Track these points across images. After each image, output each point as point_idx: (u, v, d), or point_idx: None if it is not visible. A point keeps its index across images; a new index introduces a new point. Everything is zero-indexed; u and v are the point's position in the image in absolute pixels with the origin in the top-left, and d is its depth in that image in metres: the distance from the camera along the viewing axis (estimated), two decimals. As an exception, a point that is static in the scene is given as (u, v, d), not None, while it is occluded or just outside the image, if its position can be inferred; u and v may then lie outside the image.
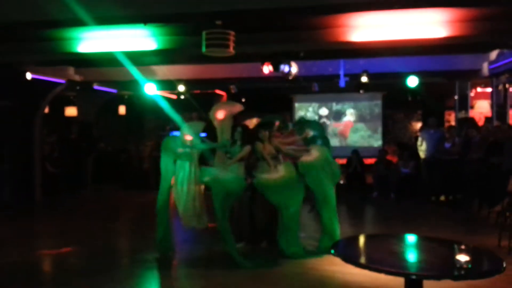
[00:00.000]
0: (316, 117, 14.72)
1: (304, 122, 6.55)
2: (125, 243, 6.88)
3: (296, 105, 15.26)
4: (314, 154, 5.80)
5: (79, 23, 5.09)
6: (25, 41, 7.03)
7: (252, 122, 6.70)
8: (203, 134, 6.33)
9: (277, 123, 6.28)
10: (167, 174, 5.63)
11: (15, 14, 5.22)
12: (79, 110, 12.37)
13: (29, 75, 8.97)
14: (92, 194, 11.09)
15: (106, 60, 8.05)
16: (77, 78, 10.03)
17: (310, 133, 6.09)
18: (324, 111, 15.08)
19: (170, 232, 5.76)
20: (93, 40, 6.88)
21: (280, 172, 5.57)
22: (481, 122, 10.26)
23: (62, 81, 9.83)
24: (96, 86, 11.41)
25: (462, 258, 2.86)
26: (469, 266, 2.85)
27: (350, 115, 14.87)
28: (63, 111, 12.02)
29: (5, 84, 9.09)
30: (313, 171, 5.64)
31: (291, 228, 5.47)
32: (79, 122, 12.04)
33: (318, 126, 6.42)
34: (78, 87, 10.64)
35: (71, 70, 9.81)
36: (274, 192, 5.47)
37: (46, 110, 10.61)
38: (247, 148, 5.71)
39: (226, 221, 5.29)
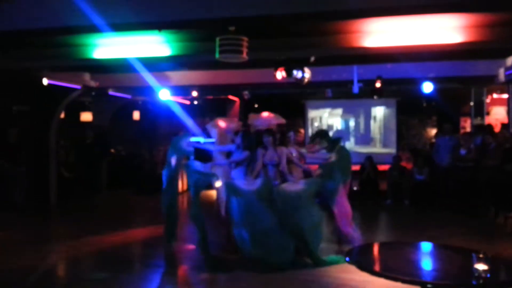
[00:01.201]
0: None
1: (337, 144, 6.12)
2: (138, 247, 6.89)
3: (309, 111, 15.25)
4: (299, 185, 5.48)
5: (94, 29, 5.17)
6: (42, 47, 7.14)
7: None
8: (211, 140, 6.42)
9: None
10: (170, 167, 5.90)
11: (32, 20, 5.32)
12: (94, 116, 12.51)
13: (45, 81, 9.10)
14: (106, 198, 11.17)
15: (121, 66, 8.14)
16: (92, 84, 10.14)
17: (333, 158, 5.84)
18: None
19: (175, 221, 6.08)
20: (108, 46, 6.96)
21: (254, 185, 5.33)
22: (497, 129, 10.12)
23: (78, 86, 9.95)
24: (111, 92, 11.54)
25: (480, 267, 2.81)
26: (488, 275, 2.79)
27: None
28: (78, 117, 12.17)
29: (22, 90, 9.24)
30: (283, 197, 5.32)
31: (262, 241, 5.21)
32: (94, 127, 12.16)
33: (347, 157, 5.95)
34: (93, 93, 10.77)
35: (86, 76, 9.93)
36: (237, 203, 5.26)
37: (62, 115, 10.74)
38: (245, 153, 5.72)
39: (199, 221, 5.35)
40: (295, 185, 5.49)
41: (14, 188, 8.96)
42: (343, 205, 5.73)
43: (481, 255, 2.84)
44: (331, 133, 14.55)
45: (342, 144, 6.28)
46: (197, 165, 5.73)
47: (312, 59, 7.35)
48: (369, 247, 4.04)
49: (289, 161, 5.85)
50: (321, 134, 6.61)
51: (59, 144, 10.53)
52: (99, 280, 4.97)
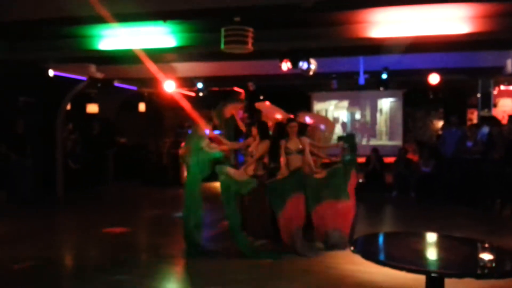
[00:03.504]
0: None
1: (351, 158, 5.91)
2: (145, 239, 6.94)
3: (315, 103, 15.21)
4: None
5: (99, 20, 5.17)
6: (47, 38, 7.16)
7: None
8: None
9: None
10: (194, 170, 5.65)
11: (37, 11, 5.33)
12: (99, 107, 12.53)
13: (51, 72, 9.12)
14: (112, 190, 11.24)
15: (126, 58, 8.14)
16: (98, 75, 10.16)
17: (322, 174, 5.77)
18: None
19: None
20: (113, 37, 6.96)
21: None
22: (504, 121, 10.03)
23: (83, 78, 9.97)
24: (116, 83, 11.55)
25: (486, 256, 2.80)
26: (493, 265, 2.78)
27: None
28: (84, 108, 12.19)
29: (28, 81, 9.27)
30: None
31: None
32: (100, 119, 12.20)
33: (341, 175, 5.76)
34: (99, 84, 10.78)
35: (92, 67, 9.94)
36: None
37: (68, 107, 10.78)
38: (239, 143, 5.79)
39: (235, 216, 5.38)
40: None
41: (22, 180, 9.02)
42: (293, 213, 5.46)
43: (486, 245, 2.84)
44: (338, 126, 14.57)
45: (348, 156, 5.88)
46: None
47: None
48: (374, 237, 4.04)
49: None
50: (347, 138, 6.24)
51: (65, 136, 10.58)
52: (106, 271, 5.02)
